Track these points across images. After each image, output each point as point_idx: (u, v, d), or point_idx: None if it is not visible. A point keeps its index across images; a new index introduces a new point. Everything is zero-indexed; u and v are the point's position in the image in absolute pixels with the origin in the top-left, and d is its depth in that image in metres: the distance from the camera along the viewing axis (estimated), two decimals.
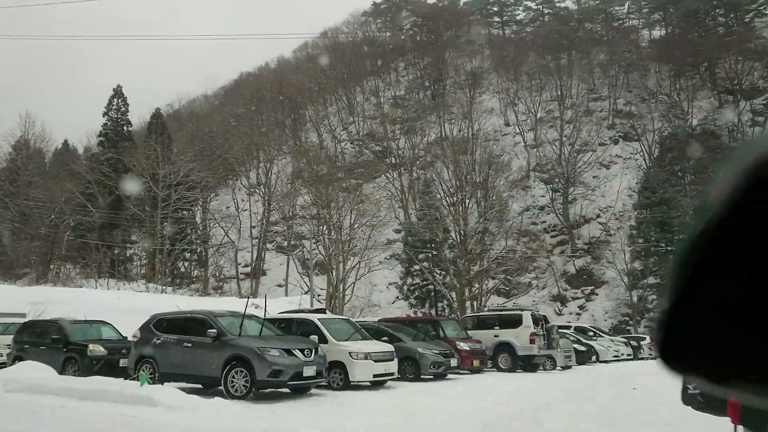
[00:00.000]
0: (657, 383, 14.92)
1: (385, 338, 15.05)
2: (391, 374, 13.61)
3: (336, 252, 37.94)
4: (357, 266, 37.33)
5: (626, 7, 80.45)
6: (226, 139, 61.37)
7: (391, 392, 12.98)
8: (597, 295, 52.00)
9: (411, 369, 15.37)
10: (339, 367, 12.95)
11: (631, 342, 28.47)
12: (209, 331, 11.39)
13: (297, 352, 11.27)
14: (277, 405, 10.54)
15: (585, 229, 56.98)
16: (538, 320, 19.96)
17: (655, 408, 10.32)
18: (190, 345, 11.64)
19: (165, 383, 11.29)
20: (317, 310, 16.55)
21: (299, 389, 11.69)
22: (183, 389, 10.68)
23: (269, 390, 11.57)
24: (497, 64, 76.04)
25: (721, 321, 0.54)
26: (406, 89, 78.49)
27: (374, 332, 15.58)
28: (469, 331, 19.44)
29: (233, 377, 10.89)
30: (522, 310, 20.79)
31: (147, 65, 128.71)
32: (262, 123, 67.98)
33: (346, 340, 13.49)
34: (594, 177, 59.41)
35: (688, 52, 64.92)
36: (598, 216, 57.63)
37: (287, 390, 11.58)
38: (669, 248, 40.20)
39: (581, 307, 51.68)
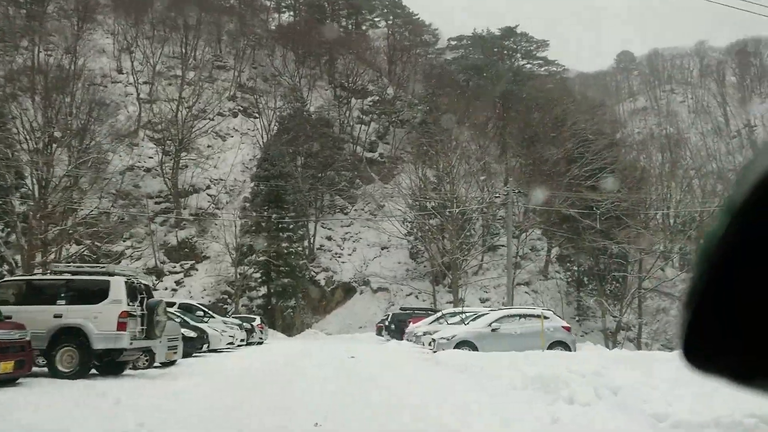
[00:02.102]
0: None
1: None
2: None
3: None
4: None
5: None
6: None
7: None
8: (197, 270, 48.76)
9: None
10: None
11: (244, 324, 24.44)
12: None
13: None
14: None
15: (193, 198, 53.05)
16: (136, 292, 12.84)
17: None
18: None
19: None
20: None
21: None
22: None
23: None
24: (116, 3, 66.74)
25: (747, 319, 0.53)
26: None
27: None
28: (12, 307, 12.04)
29: None
30: (110, 274, 12.98)
31: None
32: None
33: None
34: (209, 146, 56.20)
35: (312, 43, 67.35)
36: (209, 187, 54.52)
37: None
38: (281, 224, 39.41)
39: (178, 282, 47.75)
